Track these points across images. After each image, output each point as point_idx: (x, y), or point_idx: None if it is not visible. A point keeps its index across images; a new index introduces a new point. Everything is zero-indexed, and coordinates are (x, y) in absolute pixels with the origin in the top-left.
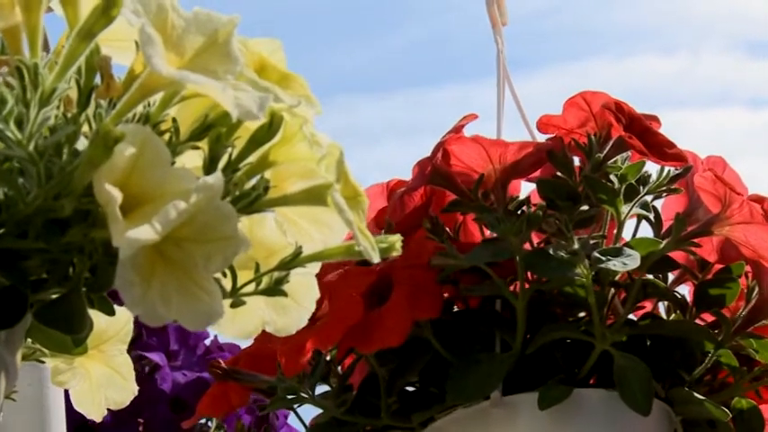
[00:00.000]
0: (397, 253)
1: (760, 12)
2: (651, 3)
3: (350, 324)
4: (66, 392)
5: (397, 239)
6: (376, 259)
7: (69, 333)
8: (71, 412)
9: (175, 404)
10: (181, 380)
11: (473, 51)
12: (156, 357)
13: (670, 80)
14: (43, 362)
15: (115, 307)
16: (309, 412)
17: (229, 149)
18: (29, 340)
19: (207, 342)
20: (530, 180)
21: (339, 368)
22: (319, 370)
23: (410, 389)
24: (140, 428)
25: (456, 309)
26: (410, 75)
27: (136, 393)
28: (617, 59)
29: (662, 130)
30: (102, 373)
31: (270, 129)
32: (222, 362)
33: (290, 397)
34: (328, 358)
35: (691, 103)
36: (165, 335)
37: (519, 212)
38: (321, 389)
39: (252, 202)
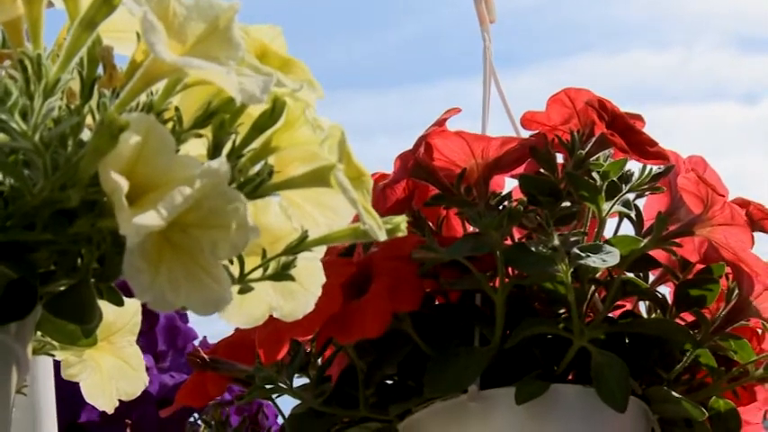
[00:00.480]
0: (402, 234)
1: (753, 7)
2: None
3: (329, 314)
4: (58, 392)
5: (402, 220)
6: (382, 238)
7: (80, 323)
8: (61, 412)
9: (163, 406)
10: (169, 382)
11: (467, 48)
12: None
13: (663, 76)
14: (53, 354)
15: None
16: (288, 403)
17: (233, 136)
18: (38, 333)
19: (196, 343)
20: (513, 176)
21: (319, 360)
22: (298, 360)
23: (388, 381)
24: (128, 430)
25: (436, 302)
26: (405, 71)
27: (147, 384)
28: (610, 55)
29: (654, 126)
30: (113, 365)
31: (272, 114)
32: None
33: (268, 387)
34: (308, 350)
35: (684, 98)
36: (153, 336)
37: (500, 207)
38: (300, 381)
39: (256, 187)
